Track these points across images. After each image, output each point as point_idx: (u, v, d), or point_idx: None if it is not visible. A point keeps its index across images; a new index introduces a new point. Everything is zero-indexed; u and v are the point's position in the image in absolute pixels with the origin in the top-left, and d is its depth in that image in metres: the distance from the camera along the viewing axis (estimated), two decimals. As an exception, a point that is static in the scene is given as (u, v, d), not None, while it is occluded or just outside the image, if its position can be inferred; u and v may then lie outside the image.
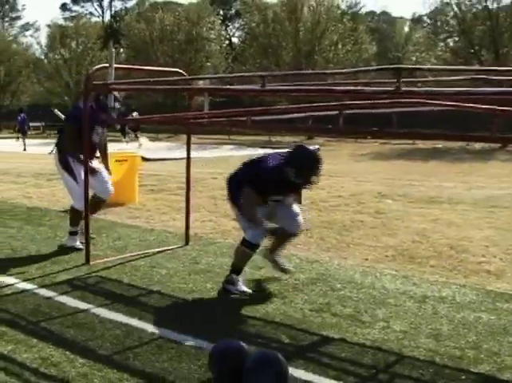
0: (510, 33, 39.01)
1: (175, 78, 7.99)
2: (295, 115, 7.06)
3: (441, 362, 4.96)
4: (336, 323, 5.77)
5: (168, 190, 14.46)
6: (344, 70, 5.39)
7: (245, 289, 6.65)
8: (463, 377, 4.70)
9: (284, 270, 7.24)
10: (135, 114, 13.68)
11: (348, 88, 5.22)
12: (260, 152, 30.50)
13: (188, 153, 8.83)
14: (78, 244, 8.55)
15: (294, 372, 4.62)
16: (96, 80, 7.99)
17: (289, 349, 5.15)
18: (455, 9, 41.53)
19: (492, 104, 4.68)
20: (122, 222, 10.71)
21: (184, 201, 9.23)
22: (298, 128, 6.49)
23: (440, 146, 32.82)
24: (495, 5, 39.22)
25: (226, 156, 27.25)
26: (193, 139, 31.09)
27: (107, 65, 7.43)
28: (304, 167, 6.40)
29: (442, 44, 45.39)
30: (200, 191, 14.31)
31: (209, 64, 57.17)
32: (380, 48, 66.93)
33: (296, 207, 7.02)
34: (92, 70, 7.86)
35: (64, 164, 8.54)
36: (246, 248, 6.68)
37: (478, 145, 32.32)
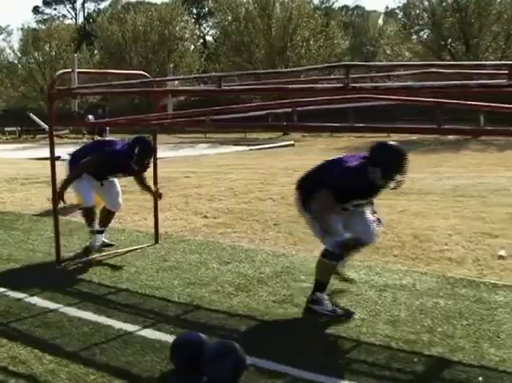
0: (479, 25, 39.38)
1: (138, 81, 8.12)
2: (254, 113, 7.20)
3: (396, 346, 5.17)
4: (298, 313, 5.97)
5: (139, 190, 14.53)
6: (295, 69, 5.54)
7: (333, 308, 6.01)
8: (416, 360, 4.91)
9: (349, 280, 6.79)
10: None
11: (299, 86, 5.40)
12: (234, 148, 30.76)
13: (155, 154, 8.93)
14: (105, 240, 8.86)
15: (255, 360, 4.81)
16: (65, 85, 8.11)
17: (251, 340, 5.34)
18: (425, 2, 41.88)
19: (432, 96, 4.88)
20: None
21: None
22: (254, 126, 6.60)
23: (415, 138, 33.03)
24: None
25: (199, 155, 27.39)
26: (169, 138, 31.17)
27: (70, 70, 7.57)
28: (390, 166, 5.87)
29: (414, 37, 45.65)
30: (172, 191, 14.46)
31: (183, 63, 57.12)
32: (354, 42, 67.21)
33: (369, 213, 6.47)
34: (56, 75, 7.99)
35: None
36: (327, 259, 6.09)
37: (451, 136, 32.58)
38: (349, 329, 5.56)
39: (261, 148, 30.23)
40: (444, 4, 41.29)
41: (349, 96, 5.17)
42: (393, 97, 5.03)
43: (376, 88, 5.00)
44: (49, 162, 8.07)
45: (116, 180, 8.77)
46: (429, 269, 7.53)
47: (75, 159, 8.46)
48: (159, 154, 9.58)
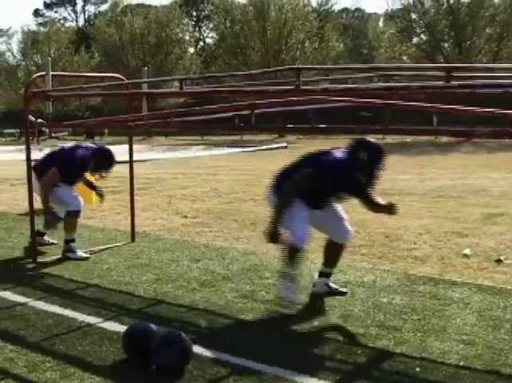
0: (472, 28, 39.65)
1: (114, 83, 8.34)
2: (226, 114, 7.41)
3: (344, 339, 5.38)
4: (256, 308, 6.18)
5: (127, 191, 14.75)
6: (252, 72, 5.73)
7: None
8: (359, 352, 5.12)
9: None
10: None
11: (254, 88, 5.62)
12: (228, 150, 30.97)
13: (131, 155, 9.17)
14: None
15: (203, 351, 5.04)
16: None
17: (204, 331, 5.58)
18: (418, 5, 42.17)
19: (379, 98, 5.09)
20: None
21: (140, 201, 9.59)
22: (214, 127, 6.82)
23: (408, 140, 33.30)
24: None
25: (192, 157, 27.60)
26: (162, 140, 31.55)
27: (44, 73, 7.80)
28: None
29: (412, 40, 45.97)
30: (158, 191, 14.70)
31: (180, 66, 57.43)
32: (354, 45, 67.44)
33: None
34: (32, 78, 8.22)
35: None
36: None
37: (444, 138, 32.83)
38: (302, 322, 5.78)
39: (254, 150, 30.45)
40: (437, 6, 41.54)
41: (301, 98, 5.35)
42: (342, 99, 5.24)
43: (324, 90, 5.21)
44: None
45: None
46: (393, 267, 7.74)
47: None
48: (153, 155, 9.86)
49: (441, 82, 4.66)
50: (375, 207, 6.39)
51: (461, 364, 4.84)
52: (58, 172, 8.42)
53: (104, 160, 8.57)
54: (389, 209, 6.33)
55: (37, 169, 8.56)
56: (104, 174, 8.71)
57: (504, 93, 5.04)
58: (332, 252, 6.66)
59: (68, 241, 8.49)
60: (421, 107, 5.09)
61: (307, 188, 6.08)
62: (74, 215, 8.59)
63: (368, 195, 6.30)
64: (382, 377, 4.76)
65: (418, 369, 4.76)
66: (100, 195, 9.22)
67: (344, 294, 6.57)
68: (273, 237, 6.07)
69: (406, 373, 4.72)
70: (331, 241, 6.65)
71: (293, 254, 6.08)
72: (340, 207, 6.64)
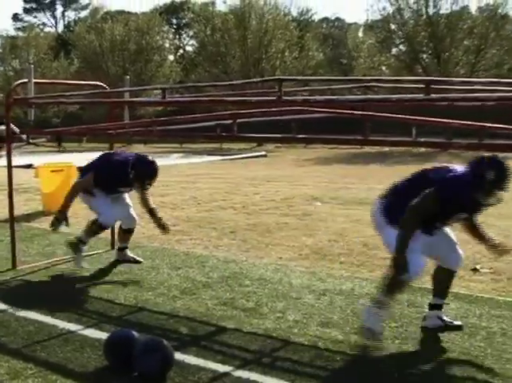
0: (450, 39, 40.03)
1: (96, 91, 8.39)
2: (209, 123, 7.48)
3: (323, 346, 5.46)
4: (236, 315, 6.25)
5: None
6: (233, 82, 5.85)
7: None
8: (339, 359, 5.20)
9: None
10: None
11: (236, 98, 5.70)
12: (208, 159, 31.00)
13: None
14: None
15: (185, 357, 5.10)
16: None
17: (185, 339, 5.66)
18: (398, 16, 42.52)
19: (358, 109, 5.19)
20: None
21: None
22: (195, 136, 6.86)
23: (386, 149, 33.47)
24: (434, 10, 40.33)
25: (171, 165, 27.57)
26: (142, 148, 31.45)
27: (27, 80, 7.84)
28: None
29: (392, 50, 46.29)
30: (137, 199, 14.68)
31: (160, 73, 57.49)
32: (333, 54, 67.72)
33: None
34: (13, 85, 8.26)
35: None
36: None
37: (423, 148, 33.04)
38: (281, 330, 5.85)
39: (233, 159, 30.51)
40: (416, 18, 41.90)
41: (282, 109, 5.44)
42: (323, 110, 5.33)
43: (305, 102, 5.30)
44: (20, 170, 8.33)
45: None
46: (371, 275, 7.82)
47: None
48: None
49: (420, 95, 4.75)
50: (478, 236, 5.95)
51: (438, 370, 4.94)
52: (94, 179, 8.05)
53: (146, 169, 8.05)
54: (494, 247, 5.90)
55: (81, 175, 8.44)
56: (147, 184, 8.12)
57: (482, 106, 5.16)
58: (445, 280, 5.93)
59: (80, 241, 8.21)
60: (400, 118, 5.18)
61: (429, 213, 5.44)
62: (99, 227, 8.23)
63: (477, 220, 5.89)
64: (361, 384, 4.85)
65: (396, 375, 4.85)
66: (163, 227, 8.45)
67: (460, 328, 5.85)
68: (400, 267, 5.34)
69: (385, 379, 4.81)
70: (442, 268, 5.90)
71: (400, 286, 5.51)
72: (450, 229, 5.94)
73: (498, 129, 4.84)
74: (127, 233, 8.67)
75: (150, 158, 8.25)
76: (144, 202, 8.54)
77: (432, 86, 4.84)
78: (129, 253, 8.64)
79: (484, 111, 5.69)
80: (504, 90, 4.94)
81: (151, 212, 8.52)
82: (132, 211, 8.69)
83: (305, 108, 5.34)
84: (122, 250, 8.63)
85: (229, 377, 4.82)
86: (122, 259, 8.53)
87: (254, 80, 7.32)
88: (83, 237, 8.26)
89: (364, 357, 5.28)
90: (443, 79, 4.88)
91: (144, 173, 8.02)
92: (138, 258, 8.57)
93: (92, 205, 8.42)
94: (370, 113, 5.19)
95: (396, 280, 5.42)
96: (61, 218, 8.17)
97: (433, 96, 4.63)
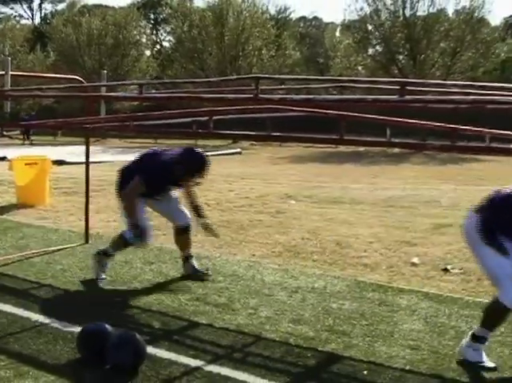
0: (426, 41, 40.34)
1: (73, 85, 8.39)
2: (178, 119, 7.50)
3: (294, 342, 5.52)
4: (208, 311, 6.30)
5: (81, 192, 14.59)
6: (211, 79, 5.88)
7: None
8: (309, 355, 5.26)
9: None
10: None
11: (213, 95, 5.74)
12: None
13: (87, 157, 9.20)
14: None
15: (157, 351, 5.14)
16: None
17: (158, 333, 5.70)
18: (375, 17, 42.76)
19: (334, 109, 5.25)
20: (28, 222, 11.03)
21: (94, 203, 9.60)
22: (172, 132, 6.86)
23: (361, 149, 33.65)
24: (411, 12, 40.61)
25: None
26: (118, 142, 31.45)
27: (3, 72, 7.82)
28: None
29: (368, 51, 46.55)
30: (112, 193, 14.53)
31: (136, 68, 57.38)
32: (310, 53, 67.87)
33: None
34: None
35: None
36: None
37: (396, 149, 33.27)
38: (253, 325, 5.90)
39: (208, 155, 30.44)
40: (393, 19, 42.17)
41: (258, 107, 5.48)
42: (299, 109, 5.38)
43: (282, 100, 5.35)
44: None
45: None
46: (343, 273, 7.90)
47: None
48: (107, 157, 9.82)
49: (395, 96, 4.82)
50: None
51: (407, 368, 5.01)
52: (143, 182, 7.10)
53: (195, 162, 7.14)
54: None
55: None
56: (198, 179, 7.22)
57: (456, 109, 5.25)
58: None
59: (105, 253, 7.45)
60: (374, 119, 5.25)
61: None
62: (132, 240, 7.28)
63: None
64: (330, 380, 4.91)
65: (365, 373, 4.92)
66: (207, 228, 7.84)
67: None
68: None
69: (354, 376, 4.88)
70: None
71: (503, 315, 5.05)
72: None
73: (470, 131, 4.90)
74: (184, 233, 7.79)
75: (198, 149, 7.38)
76: (190, 198, 7.73)
77: (408, 88, 4.91)
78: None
79: (459, 113, 5.76)
80: (477, 93, 5.00)
81: (197, 210, 7.76)
82: (183, 207, 7.70)
83: (282, 107, 5.40)
84: (188, 260, 7.65)
85: (200, 371, 4.86)
86: (193, 274, 7.55)
87: (231, 77, 7.36)
88: (109, 248, 7.48)
89: (334, 354, 5.33)
90: (418, 81, 4.95)
91: (194, 166, 7.05)
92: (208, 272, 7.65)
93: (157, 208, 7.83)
94: (345, 113, 5.24)
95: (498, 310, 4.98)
96: (135, 230, 7.15)
97: (407, 97, 4.69)
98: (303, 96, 5.23)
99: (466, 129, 4.88)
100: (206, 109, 6.10)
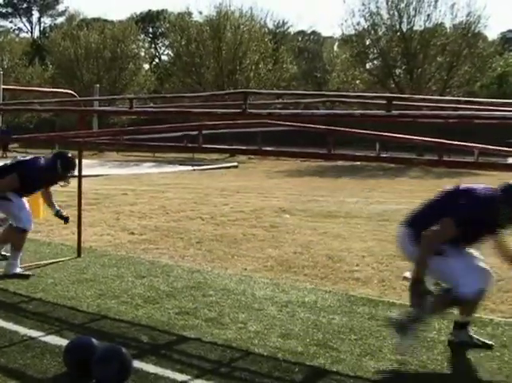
0: (423, 56, 40.48)
1: (65, 100, 8.42)
2: (167, 134, 7.52)
3: (282, 357, 5.51)
4: (197, 325, 6.29)
5: (75, 206, 14.76)
6: (200, 94, 5.96)
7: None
8: (297, 370, 5.26)
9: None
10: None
11: (202, 110, 5.75)
12: (179, 168, 31.02)
13: (80, 170, 9.19)
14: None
15: (144, 366, 5.14)
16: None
17: (145, 347, 5.68)
18: (372, 32, 42.92)
19: (323, 124, 5.27)
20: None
21: (89, 216, 9.61)
22: (162, 146, 6.90)
23: (358, 163, 33.64)
24: (408, 27, 40.77)
25: (142, 173, 27.60)
26: (114, 155, 31.41)
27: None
28: None
29: (366, 65, 46.69)
30: (107, 207, 14.73)
31: (134, 82, 57.51)
32: (308, 67, 67.97)
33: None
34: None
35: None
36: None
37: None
38: (241, 340, 5.89)
39: (204, 169, 30.57)
40: (390, 34, 42.33)
41: (246, 121, 5.50)
42: (288, 123, 5.40)
43: (270, 115, 5.37)
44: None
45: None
46: (334, 288, 7.89)
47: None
48: (104, 171, 9.87)
49: (383, 111, 4.84)
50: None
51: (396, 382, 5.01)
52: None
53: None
54: None
55: None
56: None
57: (445, 123, 5.28)
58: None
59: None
60: (363, 134, 5.27)
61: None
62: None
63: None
64: (317, 395, 4.91)
65: (353, 387, 4.91)
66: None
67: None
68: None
69: (341, 392, 4.88)
70: None
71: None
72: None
73: (458, 146, 4.92)
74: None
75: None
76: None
77: (396, 102, 4.93)
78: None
79: (455, 128, 5.78)
80: (464, 108, 5.02)
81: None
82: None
83: (270, 121, 5.41)
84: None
85: (186, 386, 4.87)
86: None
87: (220, 92, 7.39)
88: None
89: (322, 369, 5.32)
90: (404, 96, 4.97)
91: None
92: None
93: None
94: (333, 128, 5.26)
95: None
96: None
97: (394, 112, 4.71)
98: (291, 111, 5.25)
99: (453, 144, 4.88)
100: (195, 124, 6.10)
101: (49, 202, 9.06)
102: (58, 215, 9.11)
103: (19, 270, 8.24)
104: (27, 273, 8.21)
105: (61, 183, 8.62)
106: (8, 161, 8.94)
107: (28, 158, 8.77)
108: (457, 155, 7.89)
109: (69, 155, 8.52)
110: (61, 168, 8.32)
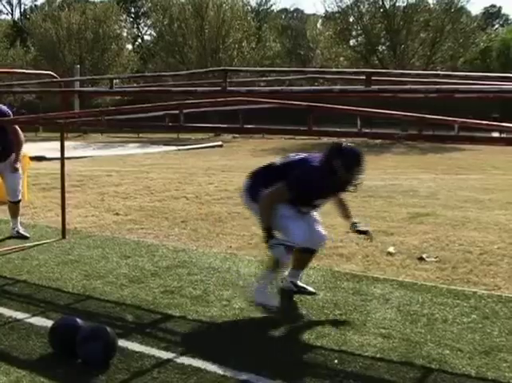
0: (406, 32, 40.49)
1: (46, 81, 8.38)
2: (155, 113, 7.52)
3: (267, 334, 5.55)
4: (182, 303, 6.30)
5: (59, 187, 14.75)
6: (181, 72, 5.97)
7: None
8: (281, 345, 5.30)
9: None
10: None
11: (182, 88, 5.75)
12: (164, 149, 30.97)
13: (62, 152, 9.18)
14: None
15: (129, 344, 5.17)
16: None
17: (130, 326, 5.72)
18: (355, 9, 42.89)
19: (304, 100, 5.27)
20: (6, 219, 10.96)
21: (73, 198, 9.60)
22: (143, 126, 6.90)
23: (344, 140, 33.60)
24: (391, 3, 40.78)
25: (127, 154, 27.55)
26: (99, 137, 31.37)
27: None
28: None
29: (349, 42, 46.67)
30: (91, 188, 14.71)
31: (117, 63, 57.24)
32: (292, 45, 67.85)
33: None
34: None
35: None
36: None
37: (378, 140, 33.35)
38: (226, 317, 5.93)
39: (189, 149, 30.55)
40: (373, 10, 42.31)
41: (227, 99, 5.50)
42: (267, 100, 5.40)
43: (249, 92, 5.37)
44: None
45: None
46: (319, 264, 7.89)
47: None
48: (88, 153, 9.86)
49: (362, 86, 4.85)
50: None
51: (378, 356, 5.05)
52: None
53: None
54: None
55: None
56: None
57: (425, 98, 5.30)
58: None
59: None
60: (344, 109, 5.28)
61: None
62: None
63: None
64: (301, 370, 4.93)
65: (336, 361, 4.96)
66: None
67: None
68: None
69: (325, 365, 4.91)
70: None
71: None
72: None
73: (437, 121, 4.94)
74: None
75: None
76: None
77: (379, 78, 4.95)
78: None
79: (438, 105, 5.79)
80: (444, 82, 5.04)
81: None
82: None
83: (249, 99, 5.42)
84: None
85: (171, 363, 4.88)
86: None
87: (200, 70, 7.38)
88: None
89: (306, 343, 5.37)
90: (383, 71, 4.98)
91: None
92: None
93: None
94: (314, 104, 5.27)
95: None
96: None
97: (373, 87, 4.72)
98: (270, 88, 5.26)
99: (433, 118, 4.90)
100: (175, 103, 6.09)
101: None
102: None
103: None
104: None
105: None
106: None
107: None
108: (441, 130, 7.89)
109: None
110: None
